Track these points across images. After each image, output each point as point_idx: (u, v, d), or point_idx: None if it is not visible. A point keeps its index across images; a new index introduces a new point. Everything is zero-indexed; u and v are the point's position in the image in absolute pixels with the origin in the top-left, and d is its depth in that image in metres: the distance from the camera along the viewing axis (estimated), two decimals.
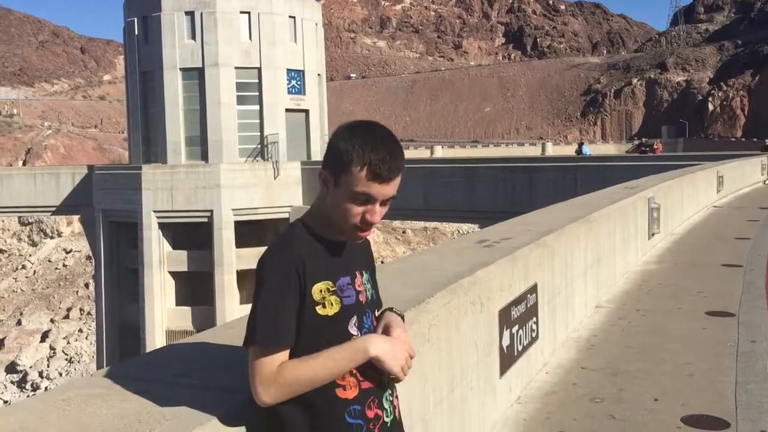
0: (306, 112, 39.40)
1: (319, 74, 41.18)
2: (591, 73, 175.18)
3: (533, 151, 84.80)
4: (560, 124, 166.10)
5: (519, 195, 28.65)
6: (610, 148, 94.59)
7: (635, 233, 9.09)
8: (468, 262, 3.91)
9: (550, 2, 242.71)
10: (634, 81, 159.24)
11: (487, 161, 34.81)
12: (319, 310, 1.95)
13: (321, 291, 1.96)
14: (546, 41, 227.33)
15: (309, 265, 1.97)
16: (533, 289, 4.51)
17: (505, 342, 3.94)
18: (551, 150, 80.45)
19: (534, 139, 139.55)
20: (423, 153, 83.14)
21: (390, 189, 1.98)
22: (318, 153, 40.01)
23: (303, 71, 39.03)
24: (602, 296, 7.25)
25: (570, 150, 71.31)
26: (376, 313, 2.17)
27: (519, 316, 4.20)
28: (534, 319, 4.53)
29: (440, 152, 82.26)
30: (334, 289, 1.99)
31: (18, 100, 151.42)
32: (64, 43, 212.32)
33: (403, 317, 2.19)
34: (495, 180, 30.29)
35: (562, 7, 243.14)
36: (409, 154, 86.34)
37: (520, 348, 4.23)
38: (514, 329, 4.10)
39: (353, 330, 2.01)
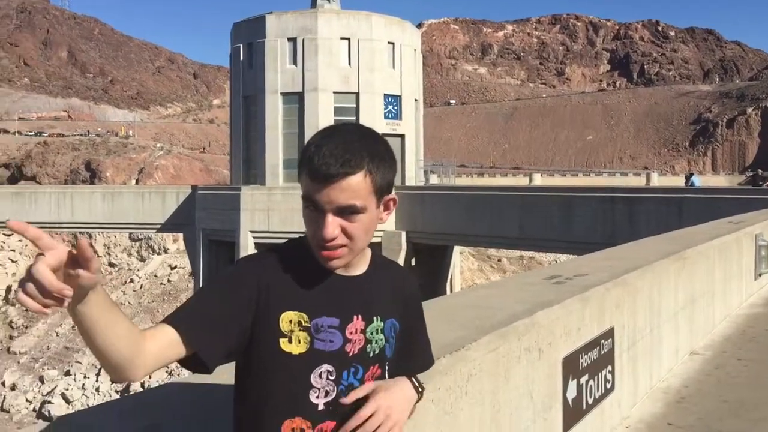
0: (402, 137, 39.47)
1: (416, 100, 41.26)
2: (701, 102, 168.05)
3: (637, 181, 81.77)
4: (667, 154, 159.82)
5: (618, 227, 27.42)
6: (720, 180, 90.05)
7: (739, 273, 8.29)
8: (530, 300, 3.51)
9: (660, 28, 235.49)
10: (749, 110, 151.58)
11: (585, 190, 33.64)
12: (282, 344, 1.61)
13: (290, 322, 1.61)
14: (654, 68, 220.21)
15: (279, 285, 1.63)
16: (608, 334, 4.03)
17: (571, 394, 3.49)
18: (657, 180, 77.22)
19: (638, 168, 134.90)
20: (521, 180, 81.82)
21: (336, 193, 1.60)
22: (413, 178, 39.97)
23: (400, 96, 39.21)
24: (697, 342, 6.57)
25: (677, 181, 68.24)
26: (386, 374, 1.74)
27: (589, 364, 3.74)
28: (609, 367, 4.05)
29: (539, 180, 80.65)
30: (307, 325, 1.62)
31: (134, 122, 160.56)
32: (178, 69, 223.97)
33: (420, 392, 1.77)
34: (593, 210, 29.17)
35: (672, 34, 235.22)
36: (506, 181, 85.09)
37: (590, 401, 3.76)
38: (583, 379, 3.65)
39: (318, 381, 1.63)
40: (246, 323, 1.61)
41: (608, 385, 4.06)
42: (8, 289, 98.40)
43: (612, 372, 4.09)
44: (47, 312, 1.38)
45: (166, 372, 75.59)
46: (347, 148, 1.62)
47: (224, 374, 2.16)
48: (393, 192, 1.75)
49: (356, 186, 1.62)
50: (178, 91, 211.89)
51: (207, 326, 1.58)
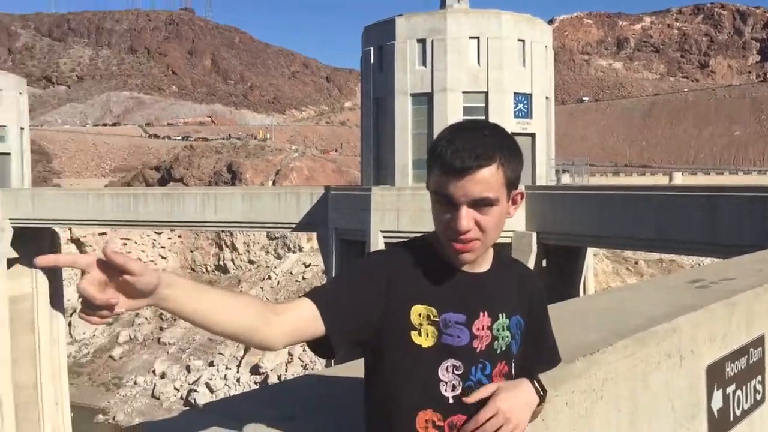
0: (532, 135, 38.71)
1: (547, 97, 40.34)
2: None
3: None
4: None
5: None
6: None
7: None
8: (669, 304, 3.34)
9: None
10: None
11: (732, 189, 31.50)
12: (413, 336, 1.65)
13: (420, 315, 1.65)
14: None
15: (408, 278, 1.67)
16: (758, 342, 3.77)
17: (716, 404, 3.30)
18: None
19: None
20: (660, 180, 77.91)
21: (471, 185, 1.63)
22: (544, 177, 39.10)
23: (530, 94, 38.50)
24: None
25: None
26: (512, 374, 1.75)
27: (737, 373, 3.52)
28: (759, 377, 3.79)
29: (680, 179, 76.52)
30: (436, 319, 1.65)
31: (271, 125, 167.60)
32: (312, 74, 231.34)
33: (542, 396, 1.74)
34: (741, 211, 27.26)
35: None
36: (643, 180, 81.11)
37: (738, 412, 3.54)
38: (729, 389, 3.43)
39: (445, 375, 1.66)
40: (375, 314, 1.65)
41: (758, 397, 3.80)
42: None
43: (762, 383, 3.83)
44: (104, 322, 1.50)
45: (301, 366, 78.25)
46: (479, 141, 1.66)
47: (354, 368, 2.22)
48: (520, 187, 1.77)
49: (489, 178, 1.65)
50: (312, 94, 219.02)
51: (339, 311, 1.64)
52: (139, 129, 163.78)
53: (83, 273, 1.43)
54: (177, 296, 1.49)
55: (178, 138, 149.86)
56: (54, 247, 45.68)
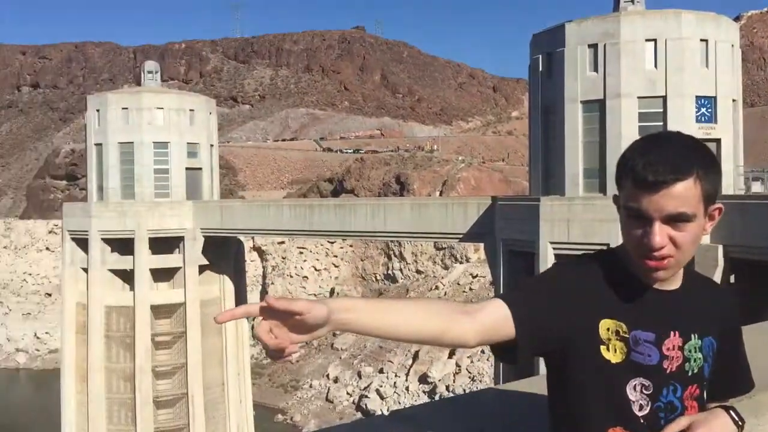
0: (717, 141, 36.08)
1: (734, 100, 37.49)
2: None
3: None
4: None
5: None
6: None
7: None
8: None
9: None
10: None
11: None
12: (602, 350, 1.60)
13: (608, 330, 1.60)
14: None
15: (596, 292, 1.63)
16: None
17: None
18: None
19: None
20: None
21: (665, 200, 1.56)
22: (731, 186, 36.32)
23: (714, 98, 35.95)
24: None
25: None
26: (704, 397, 1.67)
27: None
28: None
29: None
30: (625, 335, 1.60)
31: (438, 137, 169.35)
32: (478, 84, 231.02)
33: (740, 426, 1.66)
34: None
35: None
36: None
37: None
38: None
39: (633, 394, 1.60)
40: (564, 325, 1.62)
41: None
42: (332, 291, 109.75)
43: None
44: (289, 359, 1.63)
45: (469, 377, 78.01)
46: (675, 153, 1.58)
47: (536, 383, 2.24)
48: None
49: (686, 193, 1.58)
50: (479, 105, 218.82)
51: (530, 317, 1.62)
52: (314, 143, 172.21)
53: (262, 320, 1.56)
54: (357, 319, 1.57)
55: (349, 151, 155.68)
56: (238, 255, 49.07)
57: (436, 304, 1.65)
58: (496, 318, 1.64)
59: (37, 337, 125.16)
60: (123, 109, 43.47)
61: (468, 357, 79.65)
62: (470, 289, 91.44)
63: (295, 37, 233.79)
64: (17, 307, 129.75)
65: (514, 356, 1.65)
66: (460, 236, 46.33)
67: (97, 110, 44.02)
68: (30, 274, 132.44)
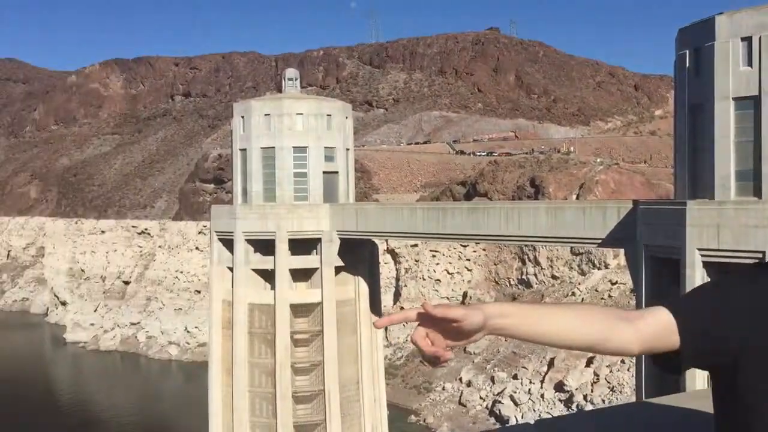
0: None
1: None
2: None
3: None
4: None
5: None
6: None
7: None
8: None
9: None
10: None
11: None
12: None
13: None
14: None
15: None
16: None
17: None
18: None
19: None
20: None
21: None
22: None
23: None
24: None
25: None
26: None
27: None
28: None
29: None
30: None
31: (575, 138, 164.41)
32: (618, 82, 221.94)
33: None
34: None
35: None
36: None
37: None
38: None
39: None
40: (735, 339, 1.55)
41: None
42: (464, 295, 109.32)
43: None
44: (444, 364, 1.60)
45: (608, 387, 75.08)
46: None
47: (692, 397, 2.10)
48: None
49: None
50: (619, 104, 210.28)
51: (697, 328, 1.57)
52: (447, 146, 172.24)
53: (417, 326, 1.60)
54: (513, 324, 1.57)
55: (482, 153, 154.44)
56: (373, 257, 50.01)
57: (595, 311, 1.63)
58: (660, 326, 1.60)
59: (188, 331, 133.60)
60: (265, 115, 45.47)
61: (607, 366, 76.67)
62: (609, 296, 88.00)
63: (429, 40, 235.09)
64: (170, 302, 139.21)
65: (677, 366, 1.60)
66: (599, 241, 44.70)
67: (242, 117, 46.32)
68: (181, 272, 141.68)
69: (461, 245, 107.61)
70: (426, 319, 1.55)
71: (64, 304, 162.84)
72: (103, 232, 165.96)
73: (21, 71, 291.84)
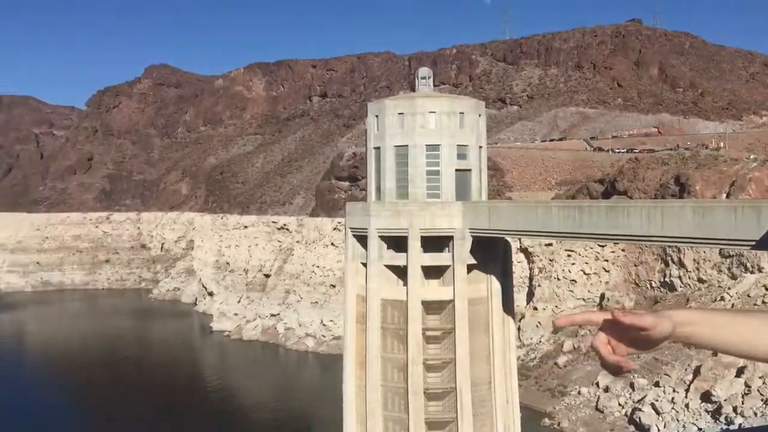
0: None
1: None
2: None
3: None
4: None
5: None
6: None
7: None
8: None
9: None
10: None
11: None
12: None
13: None
14: None
15: None
16: None
17: None
18: None
19: None
20: None
21: None
22: None
23: None
24: None
25: None
26: None
27: None
28: None
29: None
30: None
31: (725, 133, 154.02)
32: None
33: None
34: None
35: None
36: None
37: None
38: None
39: None
40: None
41: None
42: (602, 297, 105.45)
43: None
44: (626, 373, 1.50)
45: (761, 400, 69.85)
46: None
47: None
48: None
49: None
50: None
51: None
52: (583, 143, 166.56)
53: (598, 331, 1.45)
54: (701, 332, 1.48)
55: (622, 150, 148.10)
56: (506, 255, 49.28)
57: None
58: None
59: (323, 324, 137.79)
60: (399, 114, 45.94)
61: (760, 377, 71.35)
62: (763, 302, 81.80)
63: (565, 35, 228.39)
64: (307, 296, 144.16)
65: None
66: (752, 243, 41.57)
67: (376, 116, 47.07)
68: (318, 267, 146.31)
69: (599, 245, 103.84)
70: (611, 325, 1.48)
71: (211, 294, 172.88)
72: (245, 227, 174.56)
73: (174, 76, 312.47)
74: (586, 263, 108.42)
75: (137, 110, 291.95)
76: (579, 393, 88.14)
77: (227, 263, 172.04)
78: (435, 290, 43.67)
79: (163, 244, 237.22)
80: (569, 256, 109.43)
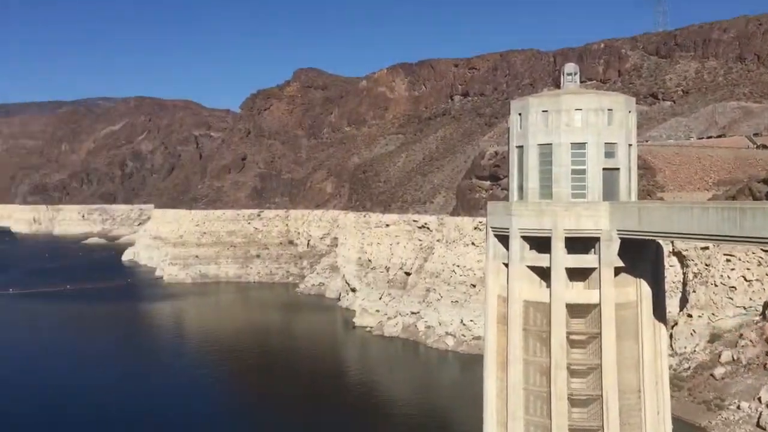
0: None
1: None
2: None
3: None
4: None
5: None
6: None
7: None
8: None
9: None
10: None
11: None
12: None
13: None
14: None
15: None
16: None
17: None
18: None
19: None
20: None
21: None
22: None
23: None
24: None
25: None
26: None
27: None
28: None
29: None
30: None
31: None
32: None
33: None
34: None
35: None
36: None
37: None
38: None
39: None
40: None
41: None
42: (765, 305, 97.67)
43: None
44: None
45: None
46: None
47: None
48: None
49: None
50: None
51: None
52: (745, 140, 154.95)
53: None
54: None
55: None
56: (657, 259, 46.79)
57: None
58: None
59: (463, 324, 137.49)
60: (543, 111, 44.80)
61: None
62: None
63: (725, 24, 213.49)
64: (447, 294, 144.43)
65: None
66: None
67: (519, 114, 46.19)
68: (458, 266, 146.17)
69: (762, 250, 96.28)
70: None
71: (353, 290, 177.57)
72: (387, 225, 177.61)
73: (320, 79, 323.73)
74: (748, 269, 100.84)
75: (286, 112, 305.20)
76: (738, 408, 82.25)
77: (369, 260, 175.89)
78: (580, 293, 42.26)
79: (309, 240, 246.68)
80: (728, 260, 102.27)
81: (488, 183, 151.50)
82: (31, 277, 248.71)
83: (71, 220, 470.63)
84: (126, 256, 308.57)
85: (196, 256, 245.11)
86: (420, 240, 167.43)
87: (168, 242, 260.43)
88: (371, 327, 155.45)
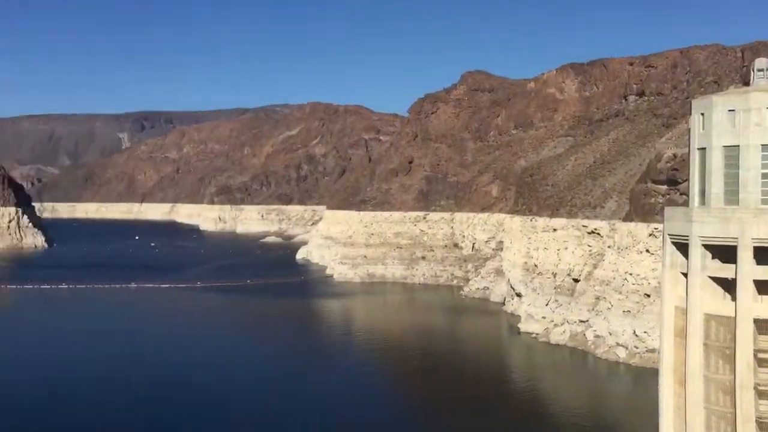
0: None
1: None
2: None
3: None
4: None
5: None
6: None
7: None
8: None
9: None
10: None
11: None
12: None
13: None
14: None
15: None
16: None
17: None
18: None
19: None
20: None
21: None
22: None
23: None
24: None
25: None
26: None
27: None
28: None
29: None
30: None
31: None
32: None
33: None
34: None
35: None
36: None
37: None
38: None
39: None
40: None
41: None
42: None
43: None
44: None
45: None
46: None
47: None
48: None
49: None
50: None
51: None
52: None
53: None
54: None
55: None
56: None
57: None
58: None
59: (636, 335, 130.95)
60: (729, 111, 41.85)
61: None
62: None
63: None
64: (618, 303, 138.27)
65: None
66: None
67: (701, 114, 43.42)
68: (630, 274, 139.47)
69: None
70: None
71: (519, 295, 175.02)
72: (554, 230, 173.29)
73: (487, 82, 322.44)
74: None
75: (453, 115, 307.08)
76: None
77: (535, 265, 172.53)
78: None
79: (474, 243, 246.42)
80: None
81: (665, 187, 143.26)
82: (216, 271, 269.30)
83: (251, 220, 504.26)
84: (299, 255, 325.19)
85: (365, 256, 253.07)
86: (589, 246, 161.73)
87: (338, 242, 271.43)
88: (537, 333, 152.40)
